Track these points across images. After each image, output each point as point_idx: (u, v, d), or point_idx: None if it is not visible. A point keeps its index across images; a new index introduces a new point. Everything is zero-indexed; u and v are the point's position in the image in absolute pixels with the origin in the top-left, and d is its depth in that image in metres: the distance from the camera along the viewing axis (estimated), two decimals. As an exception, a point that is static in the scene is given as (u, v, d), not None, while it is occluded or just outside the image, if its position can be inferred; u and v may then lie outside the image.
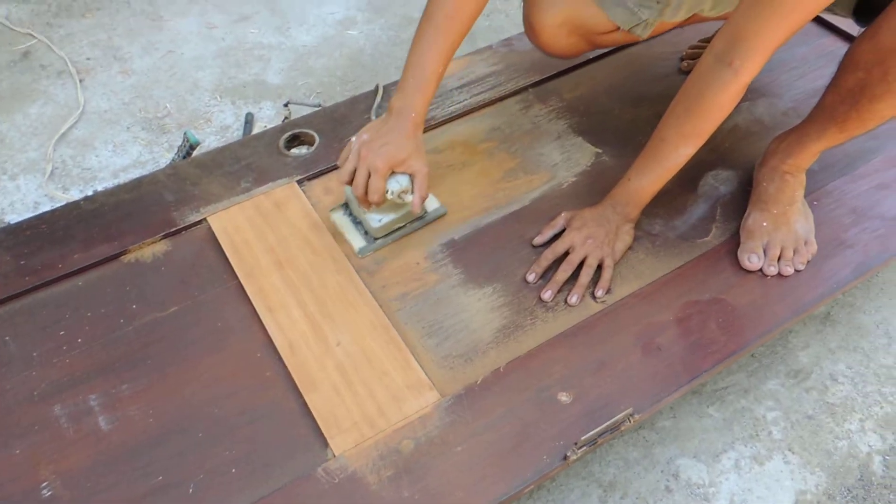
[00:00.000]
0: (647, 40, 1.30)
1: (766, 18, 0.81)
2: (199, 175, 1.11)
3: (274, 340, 0.92)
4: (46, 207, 1.40)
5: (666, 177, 0.98)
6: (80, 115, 1.59)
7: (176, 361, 0.90)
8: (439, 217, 1.07)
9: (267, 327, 0.93)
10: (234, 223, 1.04)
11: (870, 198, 1.07)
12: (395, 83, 1.27)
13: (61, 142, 1.54)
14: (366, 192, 0.95)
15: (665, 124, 0.96)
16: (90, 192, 1.44)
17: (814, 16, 0.82)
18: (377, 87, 1.26)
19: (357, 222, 1.04)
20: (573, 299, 0.97)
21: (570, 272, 0.98)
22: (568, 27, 1.10)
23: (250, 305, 0.95)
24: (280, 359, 0.90)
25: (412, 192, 0.97)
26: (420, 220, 1.05)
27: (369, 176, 0.94)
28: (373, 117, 1.18)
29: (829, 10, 0.88)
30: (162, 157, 1.51)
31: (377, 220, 1.01)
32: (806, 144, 1.00)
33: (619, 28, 1.10)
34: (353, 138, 0.97)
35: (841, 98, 0.94)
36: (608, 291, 0.98)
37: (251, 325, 0.94)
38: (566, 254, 1.00)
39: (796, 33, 0.84)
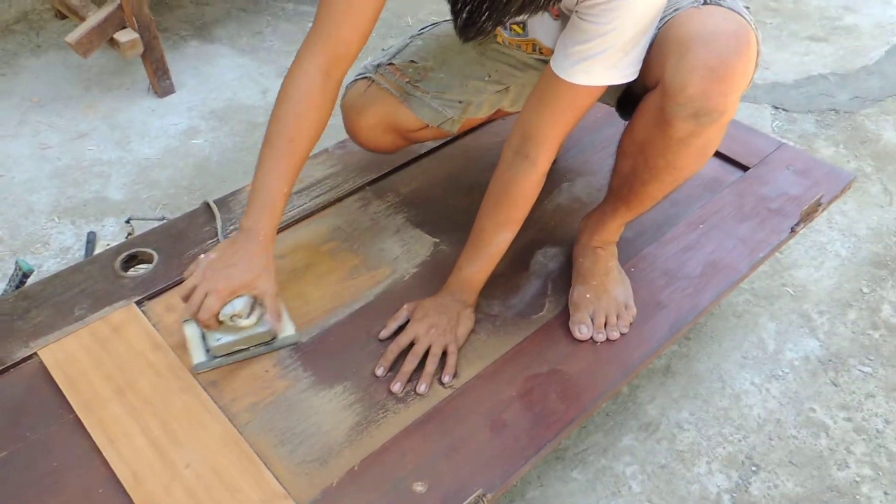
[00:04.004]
0: (466, 133, 1.41)
1: (549, 115, 0.94)
2: (27, 307, 1.06)
3: (117, 473, 0.88)
4: None
5: (493, 262, 1.05)
6: None
7: (7, 512, 0.84)
8: (290, 345, 1.04)
9: (109, 460, 0.89)
10: (67, 354, 1.00)
11: (677, 260, 1.19)
12: (239, 191, 1.28)
13: None
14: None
15: (482, 215, 1.04)
16: (-90, 335, 1.33)
17: (587, 109, 0.95)
18: (207, 205, 1.24)
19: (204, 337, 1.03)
20: (422, 388, 0.99)
21: (416, 362, 1.01)
22: (382, 127, 1.19)
23: (90, 439, 0.91)
24: (125, 492, 0.86)
25: (248, 317, 0.96)
26: (266, 346, 1.03)
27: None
28: (220, 239, 1.17)
29: (600, 100, 1.01)
30: (-6, 287, 1.43)
31: (216, 338, 0.99)
32: (606, 222, 1.11)
33: (428, 125, 1.19)
34: (203, 256, 0.97)
35: (621, 182, 1.06)
36: (455, 376, 1.02)
37: (92, 461, 0.89)
38: (412, 345, 1.03)
39: (578, 123, 0.97)
